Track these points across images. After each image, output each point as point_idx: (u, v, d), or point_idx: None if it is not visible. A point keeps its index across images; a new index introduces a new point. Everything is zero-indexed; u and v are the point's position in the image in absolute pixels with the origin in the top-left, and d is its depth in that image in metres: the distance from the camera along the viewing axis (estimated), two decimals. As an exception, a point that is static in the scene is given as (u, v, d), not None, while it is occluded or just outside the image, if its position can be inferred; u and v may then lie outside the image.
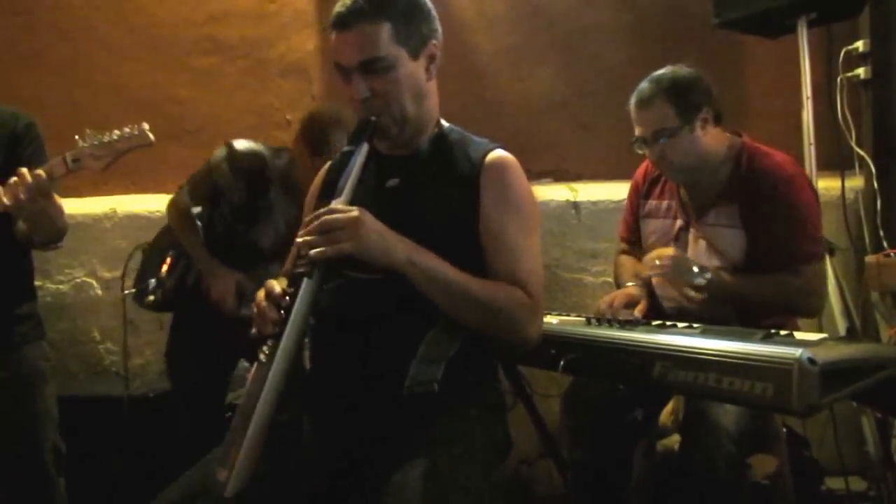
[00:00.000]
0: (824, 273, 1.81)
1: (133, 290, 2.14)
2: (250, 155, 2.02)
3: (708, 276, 1.68)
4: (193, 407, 2.06)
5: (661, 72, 1.81)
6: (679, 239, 1.86)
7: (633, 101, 1.81)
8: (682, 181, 1.86)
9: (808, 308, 1.78)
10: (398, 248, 1.17)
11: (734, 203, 1.76)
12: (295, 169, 2.03)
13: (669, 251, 1.75)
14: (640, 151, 1.85)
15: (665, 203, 1.92)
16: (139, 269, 2.23)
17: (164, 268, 2.11)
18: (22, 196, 1.54)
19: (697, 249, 1.82)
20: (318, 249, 1.12)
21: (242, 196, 2.00)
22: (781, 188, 1.72)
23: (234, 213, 2.03)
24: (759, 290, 1.70)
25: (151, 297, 2.09)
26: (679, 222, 1.87)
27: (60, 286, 3.01)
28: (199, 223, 2.08)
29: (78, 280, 3.02)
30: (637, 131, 1.82)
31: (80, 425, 2.23)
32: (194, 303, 2.08)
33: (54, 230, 1.71)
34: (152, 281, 2.10)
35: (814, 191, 1.80)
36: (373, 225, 1.16)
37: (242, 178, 2.01)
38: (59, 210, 1.66)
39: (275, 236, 2.07)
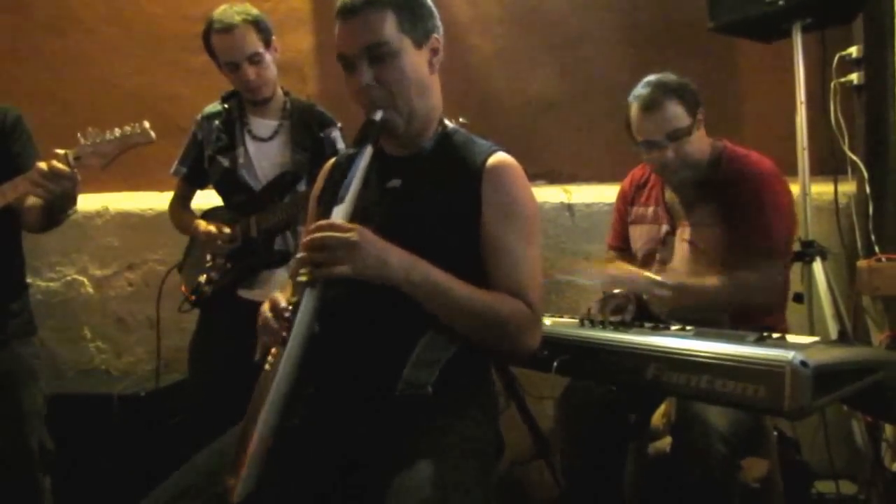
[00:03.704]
0: (782, 271, 1.80)
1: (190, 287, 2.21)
2: (214, 106, 2.25)
3: (669, 283, 1.70)
4: (211, 395, 2.07)
5: (655, 77, 1.82)
6: (666, 243, 1.89)
7: (637, 106, 1.81)
8: (686, 181, 1.85)
9: (765, 304, 1.78)
10: (395, 268, 1.16)
11: (713, 203, 1.80)
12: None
13: (620, 270, 1.78)
14: (646, 156, 1.84)
15: (651, 209, 1.95)
16: (184, 266, 2.29)
17: (208, 264, 2.17)
18: (37, 188, 1.60)
19: (683, 252, 1.84)
20: (317, 268, 1.12)
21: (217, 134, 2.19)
22: (751, 187, 1.76)
23: (218, 150, 2.18)
24: (720, 288, 1.73)
25: (207, 289, 2.15)
26: (665, 227, 1.89)
27: (51, 284, 3.00)
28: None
29: (69, 278, 3.00)
30: (644, 136, 1.81)
31: (70, 423, 2.23)
32: (225, 299, 2.15)
33: (72, 200, 1.75)
34: (203, 276, 2.16)
35: (787, 193, 1.81)
36: (370, 248, 1.14)
37: (211, 119, 2.21)
38: (77, 182, 1.67)
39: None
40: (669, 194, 1.92)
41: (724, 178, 1.79)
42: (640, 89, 1.82)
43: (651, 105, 1.78)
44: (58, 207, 1.73)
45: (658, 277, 1.72)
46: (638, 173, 2.03)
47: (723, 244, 1.78)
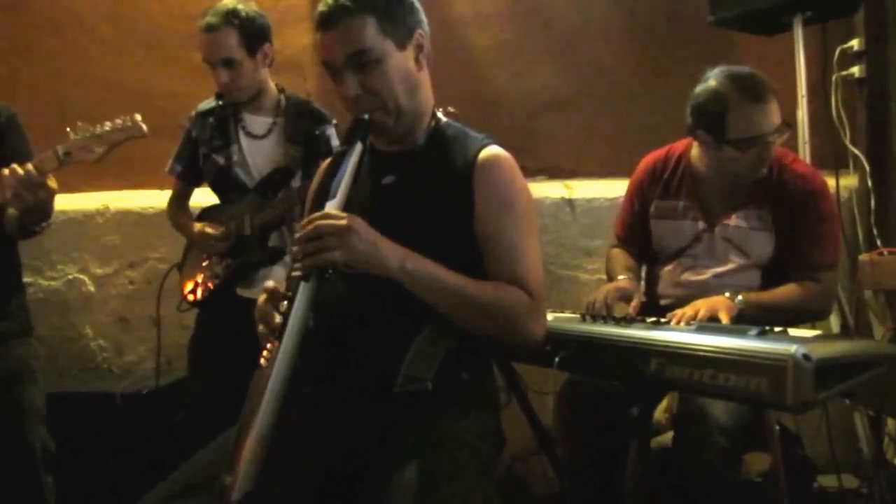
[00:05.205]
0: (838, 279, 1.89)
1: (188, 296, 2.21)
2: (208, 102, 2.23)
3: (739, 298, 1.66)
4: (211, 394, 2.07)
5: (733, 69, 1.74)
6: (700, 240, 1.85)
7: (746, 99, 1.68)
8: (753, 181, 1.79)
9: (826, 312, 1.85)
10: (390, 256, 1.16)
11: (764, 207, 1.78)
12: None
13: (697, 309, 1.59)
14: (743, 154, 1.72)
15: (681, 203, 1.89)
16: (183, 266, 2.30)
17: (205, 263, 2.18)
18: (10, 193, 1.55)
19: (720, 250, 1.83)
20: (309, 257, 1.12)
21: (209, 129, 2.19)
22: (814, 198, 1.77)
23: (212, 147, 2.18)
24: (787, 301, 1.72)
25: (204, 288, 2.16)
26: (701, 224, 1.86)
27: (52, 282, 2.99)
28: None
29: (70, 276, 3.00)
30: (755, 131, 1.69)
31: (72, 422, 2.23)
32: (223, 298, 2.15)
33: (45, 213, 1.72)
34: (200, 276, 2.17)
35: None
36: (364, 233, 1.14)
37: (206, 116, 2.21)
38: (52, 194, 1.65)
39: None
40: (704, 190, 1.86)
41: (778, 184, 1.77)
42: (738, 81, 1.69)
43: (763, 97, 1.67)
44: (29, 220, 1.71)
45: (739, 297, 1.67)
46: (660, 164, 1.94)
47: (774, 248, 1.78)
